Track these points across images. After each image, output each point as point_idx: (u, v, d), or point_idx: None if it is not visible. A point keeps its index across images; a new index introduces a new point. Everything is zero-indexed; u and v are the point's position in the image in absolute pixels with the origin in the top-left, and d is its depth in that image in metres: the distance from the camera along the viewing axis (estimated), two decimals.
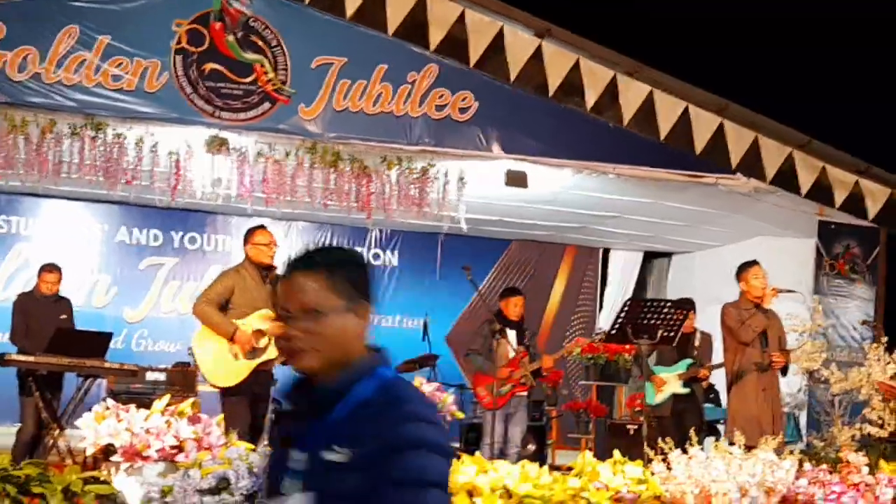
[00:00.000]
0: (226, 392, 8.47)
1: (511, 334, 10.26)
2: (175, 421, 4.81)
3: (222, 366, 8.40)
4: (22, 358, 9.68)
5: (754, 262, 9.33)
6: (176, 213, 13.26)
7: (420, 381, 5.84)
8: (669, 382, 10.48)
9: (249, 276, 8.57)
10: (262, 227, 8.92)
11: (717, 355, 10.92)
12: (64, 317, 10.44)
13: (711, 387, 12.01)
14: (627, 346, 10.72)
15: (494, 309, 10.70)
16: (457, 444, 11.28)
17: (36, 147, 10.05)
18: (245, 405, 8.41)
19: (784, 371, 9.39)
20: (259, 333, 8.44)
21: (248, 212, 12.55)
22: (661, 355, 10.55)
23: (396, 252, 14.91)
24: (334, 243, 14.40)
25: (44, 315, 10.26)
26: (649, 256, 15.92)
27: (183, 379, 11.18)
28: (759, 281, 9.27)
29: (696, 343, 10.84)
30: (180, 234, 14.07)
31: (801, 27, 21.08)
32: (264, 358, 8.47)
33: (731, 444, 7.51)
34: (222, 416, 5.63)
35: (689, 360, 10.72)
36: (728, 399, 9.36)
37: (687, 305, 10.21)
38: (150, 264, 13.96)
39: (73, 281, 12.14)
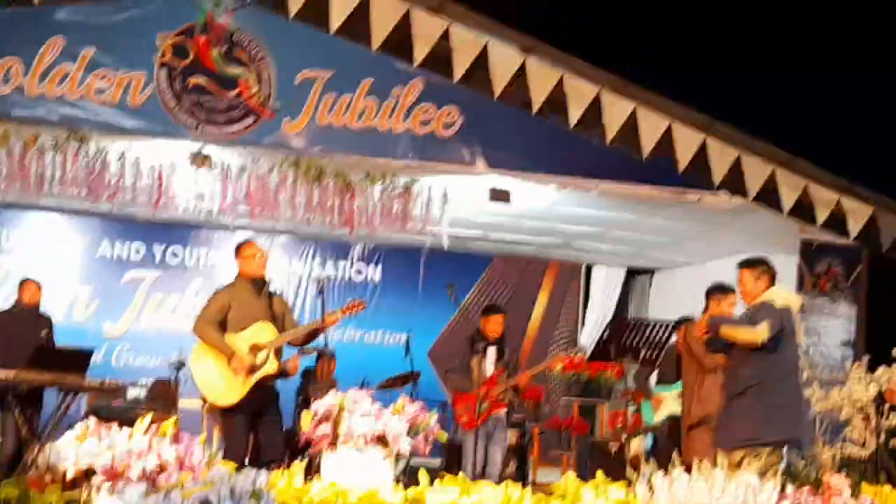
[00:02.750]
0: (224, 411, 8.46)
1: (491, 352, 10.26)
2: (157, 441, 4.77)
3: (221, 383, 8.41)
4: (1, 374, 9.61)
5: (732, 290, 9.29)
6: (158, 226, 13.22)
7: (403, 402, 5.82)
8: (668, 402, 10.42)
9: (244, 290, 8.65)
10: (249, 240, 8.98)
11: None
12: (44, 333, 10.39)
13: None
14: (612, 366, 10.70)
15: (476, 325, 10.70)
16: (439, 464, 11.27)
17: (19, 160, 9.99)
18: (244, 423, 8.43)
19: None
20: (257, 348, 8.45)
21: (231, 226, 12.52)
22: (662, 374, 10.53)
23: (379, 267, 14.89)
24: (316, 258, 14.48)
25: (24, 331, 10.22)
26: (632, 273, 15.91)
27: (164, 396, 11.15)
28: (732, 310, 9.27)
29: None
30: (162, 247, 14.03)
31: (783, 47, 21.18)
32: (263, 373, 8.49)
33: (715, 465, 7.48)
34: (204, 434, 5.60)
35: None
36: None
37: (681, 324, 10.21)
38: (132, 278, 13.91)
39: (54, 294, 12.09)
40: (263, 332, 8.56)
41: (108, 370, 12.87)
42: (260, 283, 8.77)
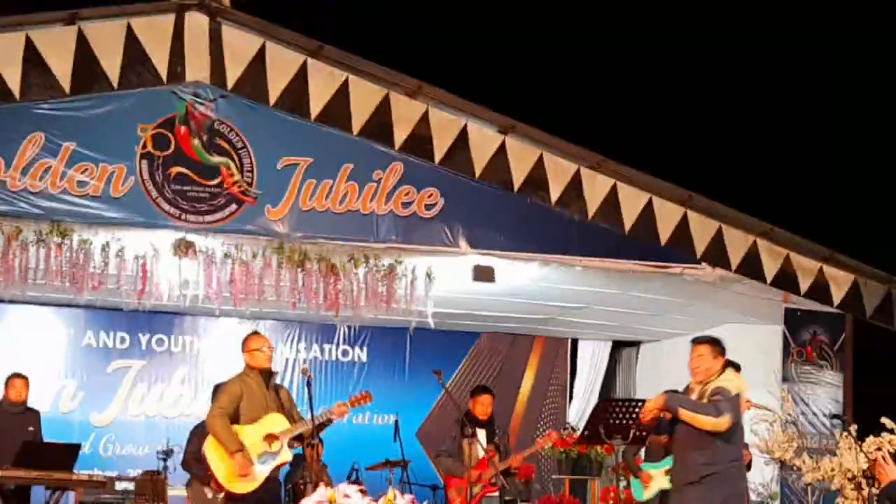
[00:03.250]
0: (232, 497, 8.51)
1: (481, 433, 10.23)
2: None
3: (236, 472, 8.46)
4: None
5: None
6: (142, 315, 13.16)
7: (394, 493, 5.81)
8: (656, 479, 10.38)
9: (253, 382, 8.76)
10: (255, 333, 9.10)
11: None
12: (31, 429, 10.34)
13: None
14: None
15: (464, 405, 10.67)
16: None
17: (1, 254, 10.00)
18: None
19: (748, 467, 9.33)
20: (271, 437, 8.53)
21: (216, 312, 12.51)
22: (649, 451, 10.51)
23: (366, 348, 14.85)
24: (302, 341, 14.45)
25: (11, 428, 10.16)
26: (618, 345, 15.93)
27: (152, 488, 11.07)
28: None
29: None
30: (147, 336, 13.97)
31: (759, 118, 21.40)
32: (278, 462, 8.58)
33: None
34: None
35: None
36: None
37: None
38: (118, 367, 13.83)
39: (40, 386, 12.02)
40: (276, 422, 8.67)
41: (95, 460, 12.81)
42: (267, 375, 8.88)
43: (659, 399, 7.89)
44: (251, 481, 8.48)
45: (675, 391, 8.41)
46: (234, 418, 8.60)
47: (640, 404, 8.29)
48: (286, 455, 8.72)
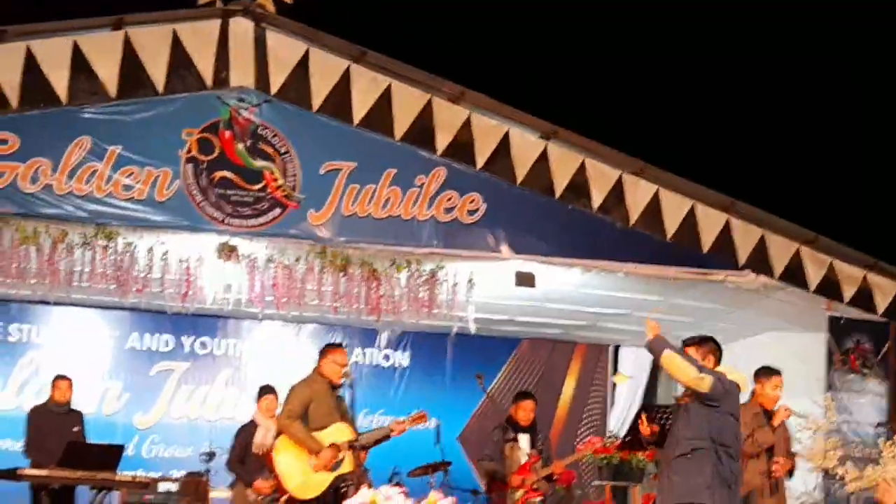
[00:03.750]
0: (293, 502, 8.63)
1: (523, 439, 10.23)
2: None
3: (303, 477, 8.57)
4: (35, 472, 9.67)
5: (778, 372, 9.25)
6: (186, 318, 13.28)
7: (435, 497, 5.84)
8: None
9: (321, 388, 8.85)
10: (341, 346, 9.21)
11: None
12: (76, 429, 10.46)
13: None
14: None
15: (505, 410, 10.68)
16: None
17: (48, 257, 10.12)
18: None
19: (790, 474, 9.29)
20: (336, 447, 8.64)
21: (259, 316, 12.58)
22: None
23: (407, 353, 14.88)
24: (344, 344, 14.51)
25: (56, 428, 10.28)
26: None
27: (195, 489, 11.15)
28: (776, 392, 9.22)
29: None
30: (191, 338, 14.07)
31: (804, 126, 21.27)
32: (342, 471, 8.67)
33: None
34: None
35: None
36: None
37: None
38: (161, 369, 13.94)
39: (85, 388, 12.15)
40: (342, 432, 8.80)
41: (139, 462, 12.91)
42: (334, 385, 8.97)
43: (652, 328, 7.85)
44: (318, 487, 8.61)
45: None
46: (304, 422, 8.75)
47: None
48: (349, 465, 8.81)
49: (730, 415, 7.82)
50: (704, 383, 7.61)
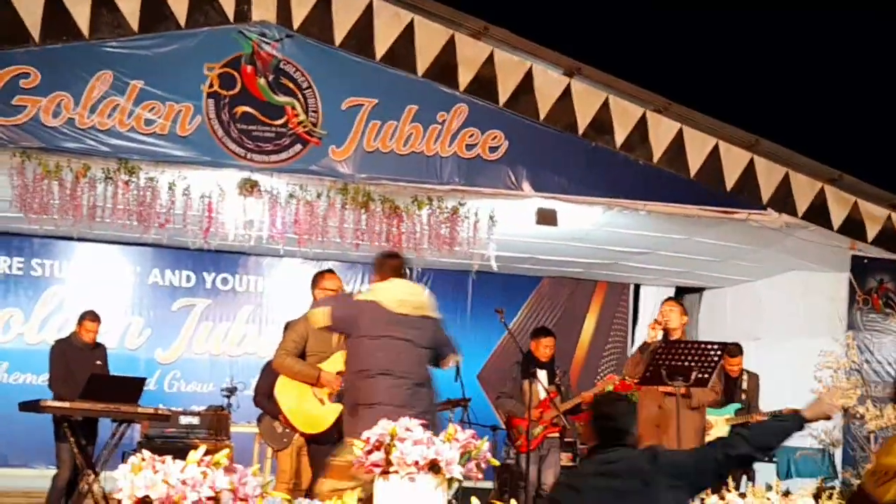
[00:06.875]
0: (313, 439, 8.50)
1: (542, 375, 10.23)
2: (211, 471, 4.81)
3: (309, 413, 8.43)
4: (57, 404, 9.74)
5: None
6: (208, 254, 13.32)
7: (454, 428, 5.85)
8: (717, 426, 10.37)
9: None
10: (330, 271, 8.91)
11: (766, 395, 10.84)
12: (99, 363, 10.51)
13: None
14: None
15: (526, 347, 10.69)
16: (491, 487, 11.26)
17: (70, 192, 10.11)
18: (326, 451, 8.47)
19: None
20: (341, 375, 8.47)
21: (280, 252, 12.60)
22: None
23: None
24: (365, 282, 14.53)
25: (80, 362, 10.33)
26: (680, 292, 15.85)
27: (217, 423, 11.24)
28: None
29: (744, 386, 10.80)
30: (212, 275, 14.14)
31: (827, 62, 21.07)
32: None
33: (769, 488, 7.44)
34: (257, 466, 5.69)
35: (737, 405, 10.67)
36: None
37: (732, 349, 10.17)
38: (183, 305, 14.03)
39: (107, 323, 12.20)
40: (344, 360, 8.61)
41: (160, 397, 13.01)
42: None
43: None
44: (322, 421, 8.46)
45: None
46: (301, 358, 8.57)
47: (702, 346, 8.26)
48: None
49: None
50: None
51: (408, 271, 7.56)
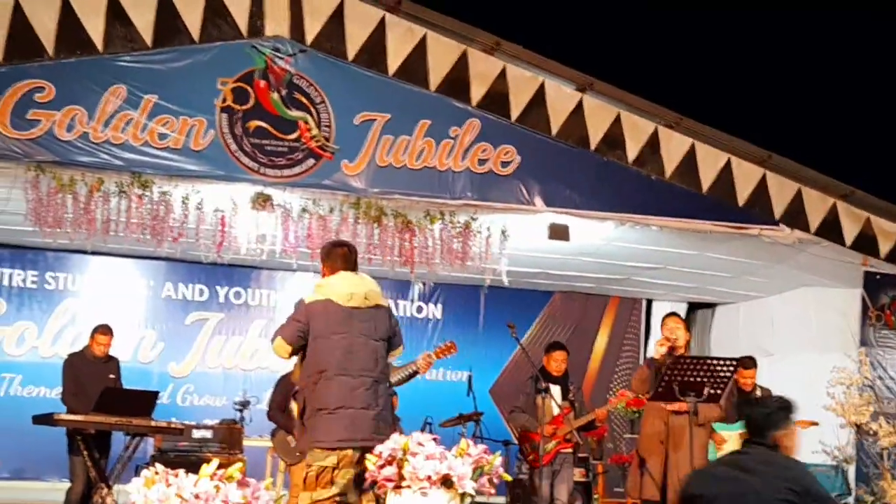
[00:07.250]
0: None
1: (555, 390, 10.21)
2: (224, 485, 4.83)
3: None
4: (71, 417, 9.76)
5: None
6: (221, 268, 13.36)
7: (466, 444, 5.86)
8: (730, 441, 10.34)
9: None
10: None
11: None
12: (112, 376, 10.52)
13: None
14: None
15: (538, 362, 10.68)
16: (503, 502, 11.25)
17: (83, 205, 10.16)
18: None
19: None
20: None
21: (293, 266, 12.62)
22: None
23: (440, 305, 14.93)
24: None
25: (93, 375, 10.34)
26: (693, 307, 15.84)
27: (229, 436, 11.24)
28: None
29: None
30: (225, 289, 14.17)
31: (840, 78, 21.07)
32: None
33: None
34: (270, 480, 5.68)
35: None
36: None
37: (746, 362, 10.15)
38: (196, 319, 14.05)
39: (120, 336, 12.22)
40: None
41: (173, 411, 13.02)
42: None
43: None
44: None
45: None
46: None
47: (714, 362, 8.25)
48: None
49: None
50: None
51: (356, 260, 7.32)
